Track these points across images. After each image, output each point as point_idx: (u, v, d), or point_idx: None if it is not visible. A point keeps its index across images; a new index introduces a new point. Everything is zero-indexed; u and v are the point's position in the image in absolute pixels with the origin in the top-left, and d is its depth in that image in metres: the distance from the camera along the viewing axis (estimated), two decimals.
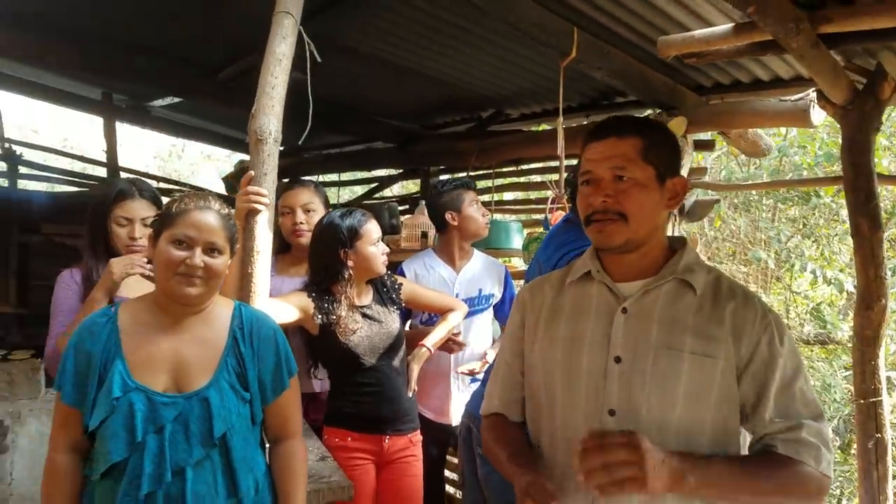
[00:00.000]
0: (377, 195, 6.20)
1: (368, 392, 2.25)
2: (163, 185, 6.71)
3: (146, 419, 1.41)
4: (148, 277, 1.98)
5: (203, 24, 3.33)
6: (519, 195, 5.07)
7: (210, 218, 1.49)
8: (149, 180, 6.15)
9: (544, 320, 1.36)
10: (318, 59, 1.88)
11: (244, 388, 1.52)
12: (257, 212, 1.79)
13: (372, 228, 2.31)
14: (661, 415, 1.19)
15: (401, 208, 4.86)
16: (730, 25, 2.31)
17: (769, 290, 6.86)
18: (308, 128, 1.96)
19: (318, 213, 2.52)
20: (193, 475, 1.42)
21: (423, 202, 4.54)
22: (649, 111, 3.52)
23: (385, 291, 2.39)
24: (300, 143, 2.08)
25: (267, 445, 1.65)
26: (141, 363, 1.46)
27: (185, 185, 7.97)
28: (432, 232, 3.48)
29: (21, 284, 4.95)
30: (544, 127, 4.51)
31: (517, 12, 2.42)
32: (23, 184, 5.35)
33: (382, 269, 2.34)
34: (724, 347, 1.20)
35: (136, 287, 1.99)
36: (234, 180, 6.40)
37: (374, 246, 2.29)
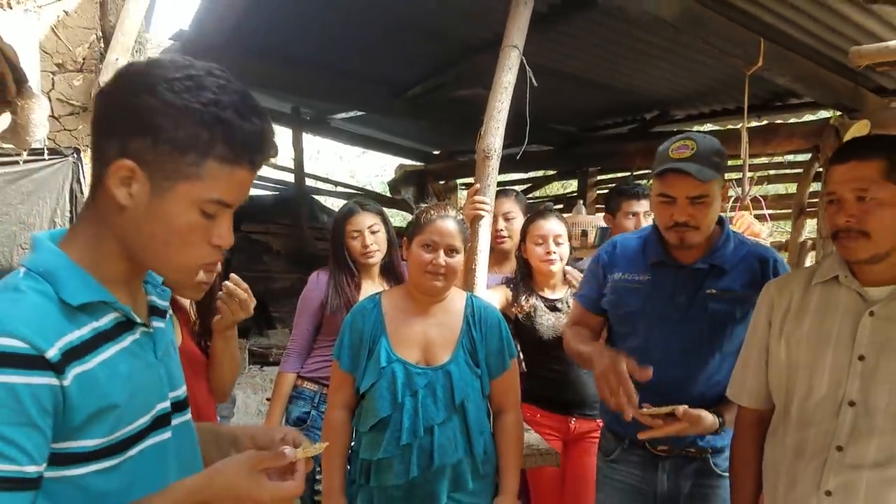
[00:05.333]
0: (529, 196, 6.43)
1: (554, 377, 2.48)
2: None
3: (404, 385, 1.75)
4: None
5: (395, 49, 3.73)
6: None
7: (449, 224, 1.81)
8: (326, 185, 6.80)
9: (792, 317, 1.42)
10: (535, 85, 2.12)
11: (476, 365, 1.83)
12: (481, 217, 2.09)
13: (533, 226, 2.46)
14: None
15: (556, 207, 5.01)
16: None
17: None
18: (524, 145, 2.19)
19: (518, 220, 2.71)
20: (439, 432, 1.74)
21: (581, 202, 4.64)
22: (828, 113, 3.47)
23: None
24: (518, 157, 2.34)
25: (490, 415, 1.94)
26: (399, 340, 1.81)
27: (344, 184, 8.68)
28: (592, 230, 3.53)
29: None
30: (709, 127, 4.51)
31: (709, 28, 2.57)
32: None
33: (543, 268, 2.45)
34: None
35: (371, 290, 2.34)
36: (398, 184, 6.92)
37: (536, 245, 2.46)
